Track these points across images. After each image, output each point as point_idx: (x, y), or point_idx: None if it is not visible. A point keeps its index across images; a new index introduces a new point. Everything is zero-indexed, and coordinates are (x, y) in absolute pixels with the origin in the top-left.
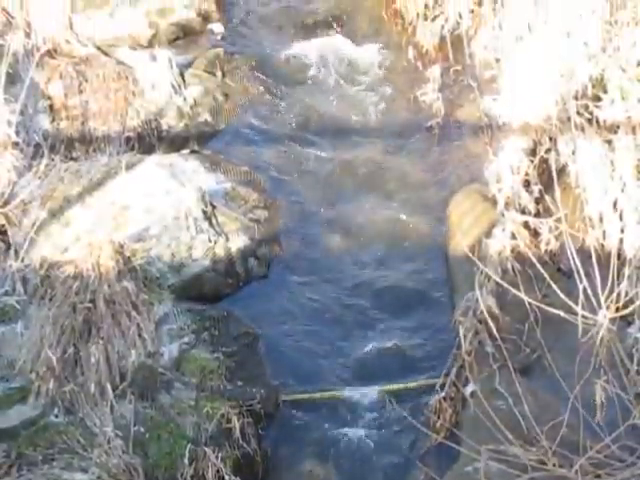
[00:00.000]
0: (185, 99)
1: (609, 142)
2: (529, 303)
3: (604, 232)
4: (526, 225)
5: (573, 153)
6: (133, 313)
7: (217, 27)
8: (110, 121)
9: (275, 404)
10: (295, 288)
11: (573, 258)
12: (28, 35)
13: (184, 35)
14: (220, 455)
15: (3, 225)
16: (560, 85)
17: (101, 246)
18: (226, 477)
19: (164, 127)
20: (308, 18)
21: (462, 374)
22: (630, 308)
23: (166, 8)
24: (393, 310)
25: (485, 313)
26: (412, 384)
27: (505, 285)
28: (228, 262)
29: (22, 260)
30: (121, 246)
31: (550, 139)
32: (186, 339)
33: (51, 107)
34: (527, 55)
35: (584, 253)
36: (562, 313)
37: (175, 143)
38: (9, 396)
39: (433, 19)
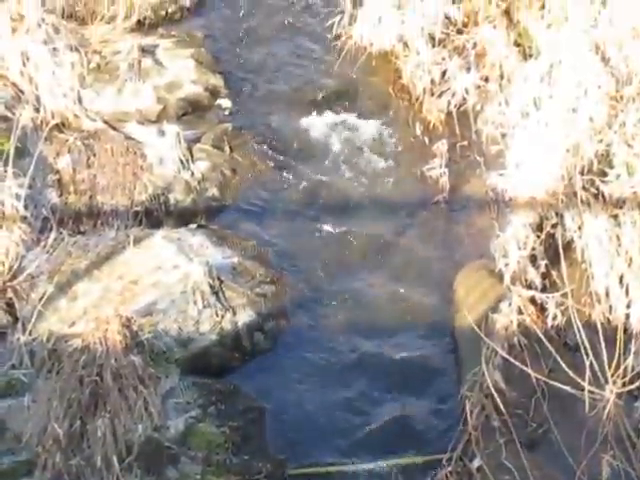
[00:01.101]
0: (193, 174)
1: (615, 217)
2: (536, 378)
3: (610, 307)
4: (532, 300)
5: (579, 228)
6: (140, 387)
7: (225, 102)
8: (118, 195)
9: (281, 478)
10: (301, 362)
11: (579, 333)
12: (37, 109)
13: (192, 110)
14: None
15: (11, 298)
16: (566, 160)
17: (108, 320)
18: None
19: (172, 201)
20: (315, 94)
21: (468, 448)
22: (637, 383)
23: (174, 83)
24: (400, 384)
25: (491, 388)
26: (419, 458)
27: (512, 360)
28: (235, 336)
29: (29, 333)
30: (128, 320)
31: (556, 214)
32: (192, 413)
33: (59, 181)
34: (533, 130)
35: (590, 328)
36: (569, 388)
37: (183, 217)
38: (15, 469)
39: (440, 95)
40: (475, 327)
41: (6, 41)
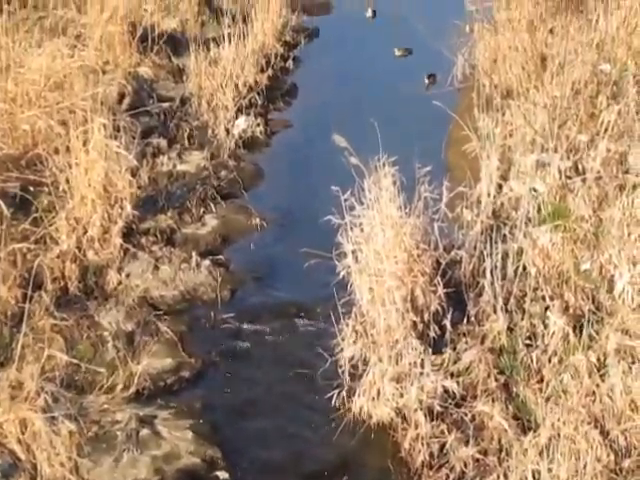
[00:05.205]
0: None
1: None
2: None
3: None
4: None
5: None
6: None
7: (222, 474)
8: None
9: None
10: None
11: None
12: (34, 478)
13: None
14: None
15: None
16: None
17: None
18: None
19: None
20: (313, 466)
21: None
22: None
23: (172, 454)
24: None
25: None
26: None
27: None
28: None
29: None
30: None
31: None
32: None
33: None
34: None
35: None
36: None
37: None
38: None
39: (438, 468)
40: None
41: (5, 409)
